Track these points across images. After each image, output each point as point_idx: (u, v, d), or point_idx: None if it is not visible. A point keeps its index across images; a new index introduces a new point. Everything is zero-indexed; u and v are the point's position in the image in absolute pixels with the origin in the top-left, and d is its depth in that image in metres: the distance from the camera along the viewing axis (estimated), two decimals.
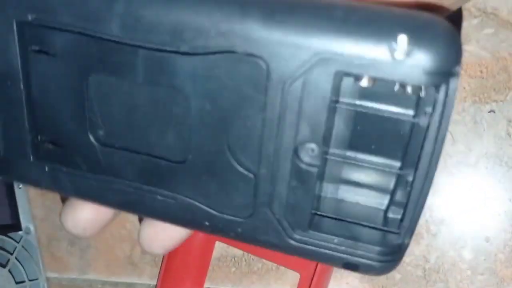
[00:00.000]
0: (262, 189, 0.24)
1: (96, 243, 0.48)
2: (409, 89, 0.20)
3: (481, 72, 0.38)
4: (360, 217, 0.24)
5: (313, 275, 0.37)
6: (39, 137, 0.27)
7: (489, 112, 0.38)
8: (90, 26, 0.23)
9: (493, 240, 0.37)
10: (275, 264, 0.42)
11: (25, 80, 0.26)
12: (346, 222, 0.24)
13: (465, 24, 0.38)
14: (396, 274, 0.39)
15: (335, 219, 0.24)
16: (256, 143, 0.23)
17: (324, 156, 0.22)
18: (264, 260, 0.42)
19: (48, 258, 0.50)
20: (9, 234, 0.48)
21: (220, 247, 0.43)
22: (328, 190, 0.25)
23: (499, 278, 0.36)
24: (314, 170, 0.23)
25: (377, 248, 0.23)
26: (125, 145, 0.25)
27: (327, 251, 0.23)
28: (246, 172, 0.24)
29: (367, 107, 0.22)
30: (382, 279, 0.39)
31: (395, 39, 0.18)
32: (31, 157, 0.27)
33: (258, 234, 0.24)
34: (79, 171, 0.26)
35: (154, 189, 0.25)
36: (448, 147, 0.37)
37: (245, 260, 0.43)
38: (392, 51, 0.18)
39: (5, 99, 0.26)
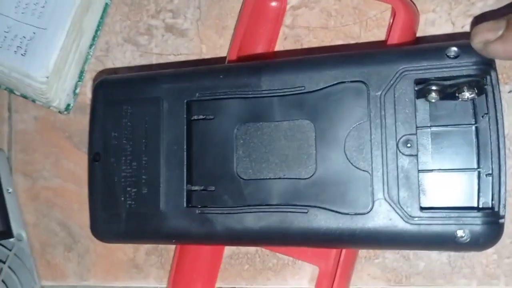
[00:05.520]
0: (376, 184, 0.30)
1: (95, 246, 0.45)
2: (466, 94, 0.30)
3: None
4: (458, 200, 0.31)
5: (337, 267, 0.36)
6: (192, 188, 0.34)
7: (509, 92, 0.37)
8: (240, 91, 0.34)
9: None
10: (291, 259, 0.40)
11: (188, 143, 0.35)
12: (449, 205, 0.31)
13: None
14: (419, 262, 0.37)
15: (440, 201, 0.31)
16: (367, 146, 0.31)
17: (418, 147, 0.30)
18: (279, 255, 0.41)
19: (43, 266, 0.47)
20: (0, 242, 0.45)
21: None
22: (428, 178, 0.31)
23: None
24: (414, 158, 0.30)
25: (480, 214, 0.29)
26: (264, 175, 0.33)
27: (439, 225, 0.29)
28: (362, 172, 0.31)
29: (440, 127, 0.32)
30: (405, 268, 0.38)
31: (449, 49, 0.30)
32: (184, 205, 0.34)
33: (380, 226, 0.30)
34: (226, 209, 0.33)
35: (289, 207, 0.32)
36: None
37: (259, 256, 0.41)
38: (448, 54, 0.30)
39: (170, 161, 0.35)
